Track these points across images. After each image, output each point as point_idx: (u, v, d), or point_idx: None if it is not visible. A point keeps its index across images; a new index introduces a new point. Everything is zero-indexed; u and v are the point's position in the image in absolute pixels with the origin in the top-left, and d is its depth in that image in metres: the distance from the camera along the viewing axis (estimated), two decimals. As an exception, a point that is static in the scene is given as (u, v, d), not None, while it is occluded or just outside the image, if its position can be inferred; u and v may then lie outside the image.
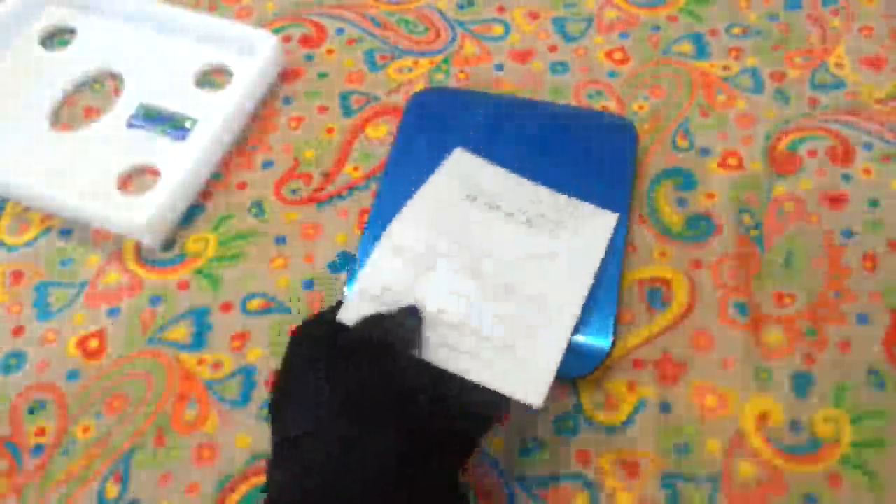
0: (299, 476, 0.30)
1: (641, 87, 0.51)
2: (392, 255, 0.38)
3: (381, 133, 0.50)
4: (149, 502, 0.38)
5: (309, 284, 0.44)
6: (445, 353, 0.34)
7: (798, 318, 0.41)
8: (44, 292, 0.45)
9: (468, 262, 0.38)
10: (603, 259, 0.40)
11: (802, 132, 0.48)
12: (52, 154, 0.49)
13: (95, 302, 0.44)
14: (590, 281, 0.39)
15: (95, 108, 0.52)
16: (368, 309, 0.35)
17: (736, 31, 0.54)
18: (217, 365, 0.42)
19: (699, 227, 0.45)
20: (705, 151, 0.48)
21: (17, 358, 0.43)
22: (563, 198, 0.43)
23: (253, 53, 0.52)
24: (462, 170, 0.43)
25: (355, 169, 0.49)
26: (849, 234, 0.44)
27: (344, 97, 0.52)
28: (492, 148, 0.45)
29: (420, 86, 0.52)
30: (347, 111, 0.51)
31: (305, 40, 0.55)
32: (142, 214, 0.44)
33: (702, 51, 0.53)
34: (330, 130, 0.50)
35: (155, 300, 0.44)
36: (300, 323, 0.35)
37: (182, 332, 0.43)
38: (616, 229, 0.42)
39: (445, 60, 0.53)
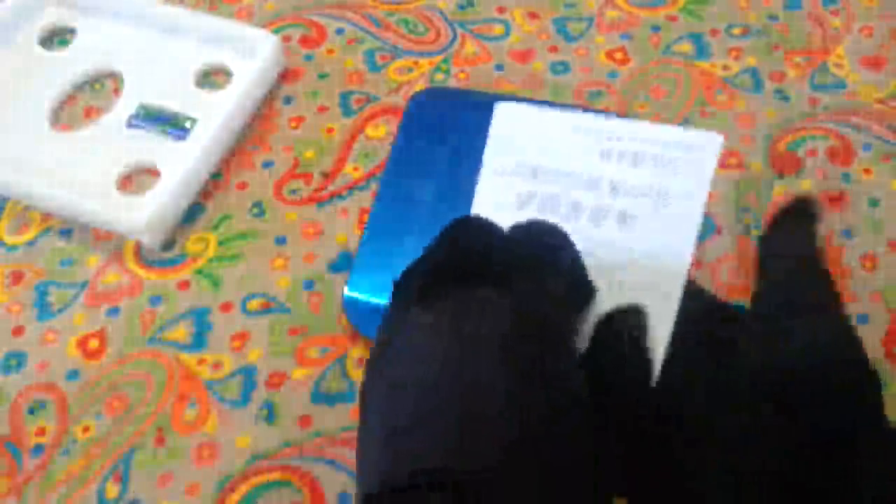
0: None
1: (642, 87, 0.51)
2: None
3: (381, 133, 0.50)
4: (149, 502, 0.38)
5: (309, 284, 0.44)
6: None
7: (798, 318, 0.41)
8: (44, 292, 0.45)
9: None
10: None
11: (802, 132, 0.48)
12: (52, 154, 0.49)
13: (95, 302, 0.44)
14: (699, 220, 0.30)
15: (95, 108, 0.52)
16: None
17: (736, 31, 0.54)
18: (217, 365, 0.42)
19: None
20: (705, 151, 0.48)
21: (17, 358, 0.43)
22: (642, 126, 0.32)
23: (253, 53, 0.52)
24: (513, 142, 0.34)
25: (355, 169, 0.49)
26: (849, 234, 0.44)
27: (344, 97, 0.52)
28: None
29: (420, 86, 0.52)
30: (347, 111, 0.51)
31: (305, 40, 0.55)
32: (142, 214, 0.44)
33: (702, 51, 0.53)
34: (330, 130, 0.50)
35: (155, 300, 0.44)
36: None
37: (182, 332, 0.43)
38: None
39: (445, 60, 0.53)
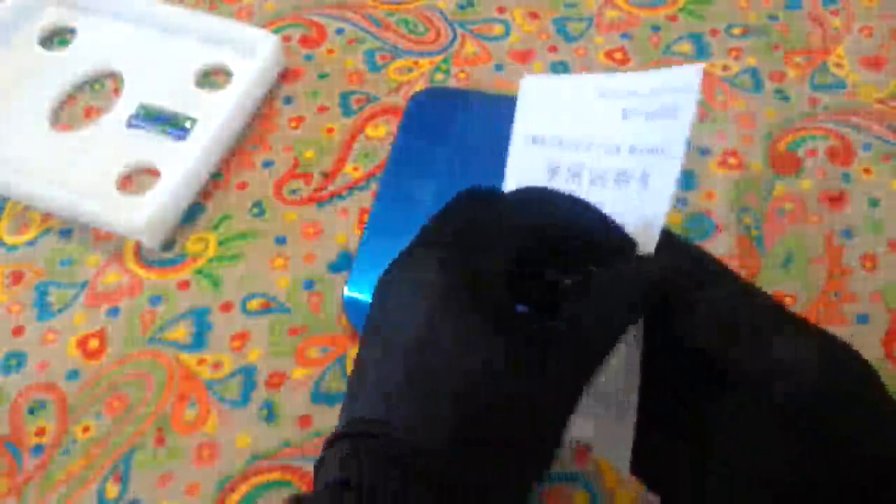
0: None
1: (641, 87, 0.51)
2: None
3: (381, 133, 0.50)
4: (149, 502, 0.38)
5: (309, 284, 0.44)
6: None
7: (798, 318, 0.41)
8: (44, 292, 0.45)
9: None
10: None
11: (802, 132, 0.48)
12: (52, 154, 0.49)
13: (95, 302, 0.44)
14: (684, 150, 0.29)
15: (95, 108, 0.52)
16: None
17: (736, 31, 0.54)
18: (217, 365, 0.42)
19: (699, 226, 0.45)
20: (705, 151, 0.48)
21: (17, 358, 0.43)
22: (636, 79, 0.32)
23: (253, 53, 0.52)
24: (537, 120, 0.34)
25: (355, 169, 0.49)
26: (849, 234, 0.44)
27: (344, 97, 0.52)
28: (492, 148, 0.45)
29: (420, 86, 0.52)
30: (347, 111, 0.51)
31: (305, 40, 0.55)
32: (142, 214, 0.44)
33: (702, 51, 0.53)
34: (330, 130, 0.50)
35: (155, 300, 0.44)
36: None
37: (182, 332, 0.43)
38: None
39: (445, 60, 0.53)
